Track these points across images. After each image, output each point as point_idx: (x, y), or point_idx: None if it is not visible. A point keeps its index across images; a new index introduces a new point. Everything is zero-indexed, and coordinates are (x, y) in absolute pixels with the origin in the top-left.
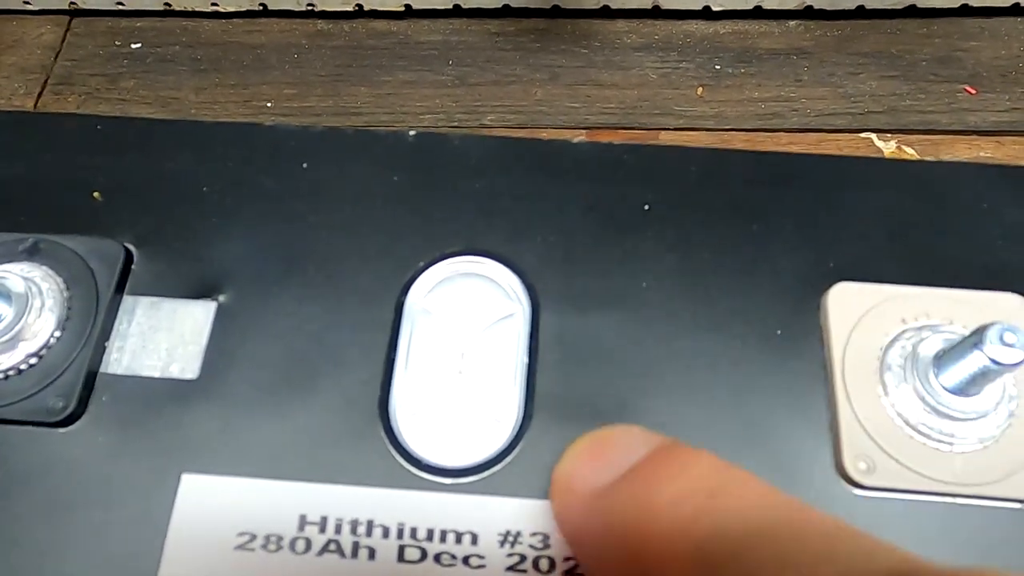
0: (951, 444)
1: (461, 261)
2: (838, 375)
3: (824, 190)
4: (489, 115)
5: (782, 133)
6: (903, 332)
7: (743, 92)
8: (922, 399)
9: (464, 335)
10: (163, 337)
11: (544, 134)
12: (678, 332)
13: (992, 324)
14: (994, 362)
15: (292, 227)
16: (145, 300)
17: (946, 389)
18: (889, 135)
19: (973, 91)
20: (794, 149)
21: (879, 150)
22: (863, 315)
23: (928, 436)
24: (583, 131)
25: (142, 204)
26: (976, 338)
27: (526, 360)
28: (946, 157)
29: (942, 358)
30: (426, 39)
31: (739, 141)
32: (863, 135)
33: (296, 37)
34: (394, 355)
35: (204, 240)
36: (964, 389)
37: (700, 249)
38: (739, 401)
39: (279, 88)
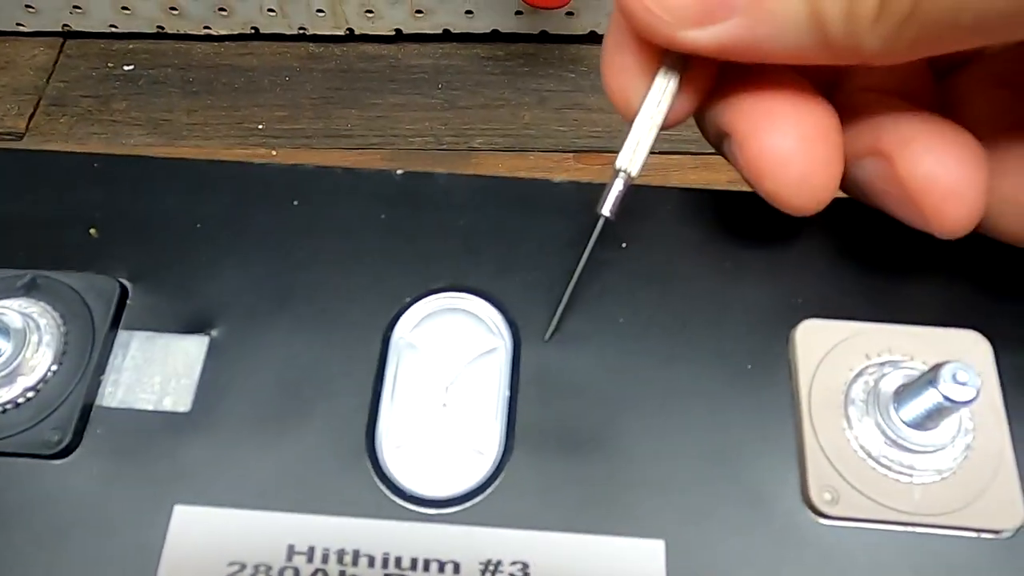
0: (911, 476)
1: (446, 297)
2: (805, 408)
3: (793, 228)
4: (478, 138)
5: None
6: (866, 367)
7: None
8: (883, 432)
9: (448, 369)
10: (157, 371)
11: (532, 157)
12: (653, 366)
13: (946, 363)
14: (947, 399)
15: (283, 263)
16: (140, 335)
17: (905, 423)
18: None
19: None
20: None
21: None
22: (829, 351)
23: (889, 468)
24: (570, 154)
25: (137, 240)
26: (931, 376)
27: (507, 393)
28: None
29: (901, 393)
30: (416, 63)
31: (723, 164)
32: None
33: (288, 60)
34: (380, 388)
35: (197, 276)
36: (922, 423)
37: (675, 286)
38: (711, 433)
39: (270, 110)
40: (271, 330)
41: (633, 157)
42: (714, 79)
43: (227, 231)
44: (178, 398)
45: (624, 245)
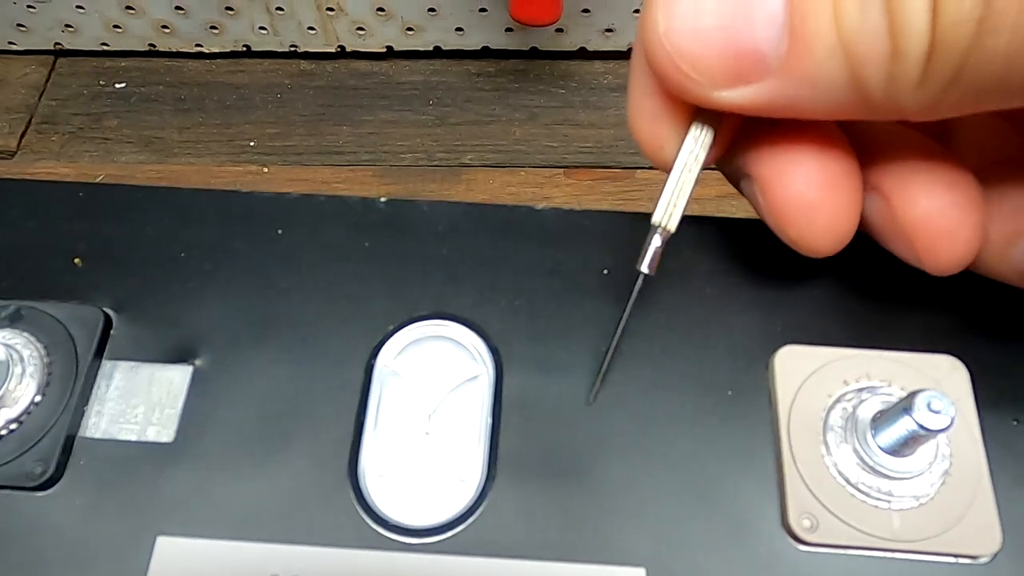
0: (889, 502)
1: (428, 324)
2: (784, 434)
3: (773, 255)
4: (469, 154)
5: None
6: (845, 393)
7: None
8: (861, 458)
9: (431, 396)
10: (140, 401)
11: (523, 173)
12: (635, 393)
13: (921, 391)
14: (922, 427)
15: (266, 291)
16: (124, 364)
17: (882, 449)
18: None
19: None
20: None
21: None
22: (808, 376)
23: (867, 494)
24: (561, 169)
25: (121, 270)
26: (906, 403)
27: (490, 421)
28: None
29: (878, 420)
30: (407, 79)
31: (712, 180)
32: None
33: (279, 77)
34: (363, 417)
35: (181, 305)
36: (898, 450)
37: (656, 312)
38: (692, 459)
39: (262, 127)
40: (255, 359)
41: (671, 212)
42: (740, 124)
43: (211, 260)
44: (162, 428)
45: (606, 272)
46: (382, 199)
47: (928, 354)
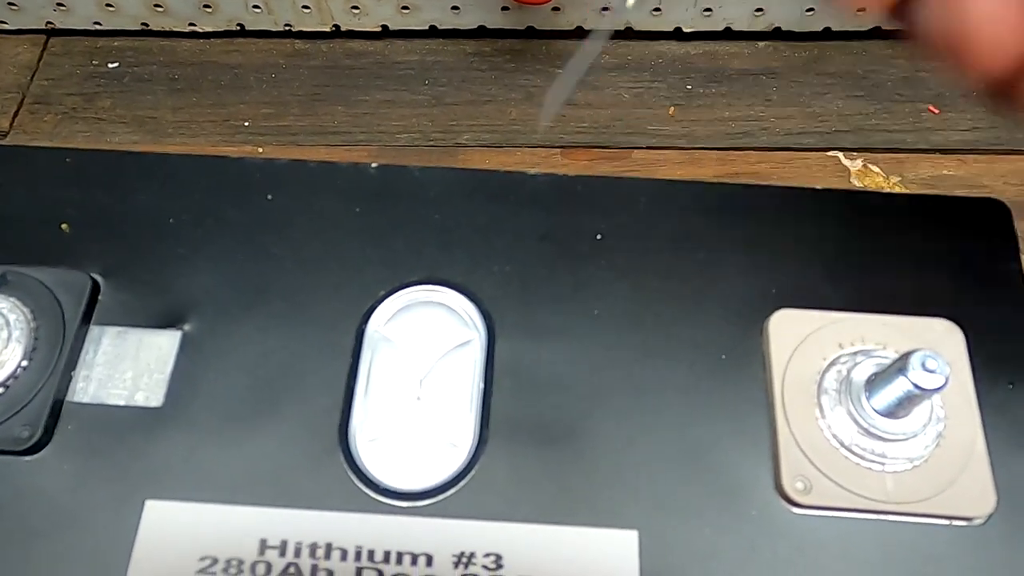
0: (883, 464)
1: (420, 290)
2: (778, 398)
3: (767, 219)
4: (465, 134)
5: (752, 152)
6: (839, 357)
7: (714, 112)
8: (855, 421)
9: (422, 362)
10: (129, 366)
11: (519, 153)
12: (628, 358)
13: (915, 351)
14: (917, 387)
15: (257, 257)
16: (112, 330)
17: (877, 411)
18: (856, 154)
19: (936, 111)
20: (763, 167)
21: (846, 168)
22: (803, 340)
23: (861, 456)
24: (557, 150)
25: (110, 236)
26: (901, 364)
27: (482, 386)
28: (910, 175)
29: (873, 382)
30: (403, 59)
31: (710, 160)
32: (830, 153)
33: (274, 57)
34: (354, 382)
35: (170, 271)
36: (893, 412)
37: (649, 277)
38: (685, 423)
39: (257, 107)
40: (244, 324)
41: None
42: None
43: (200, 226)
44: (150, 393)
45: (599, 237)
46: (373, 164)
47: (923, 318)
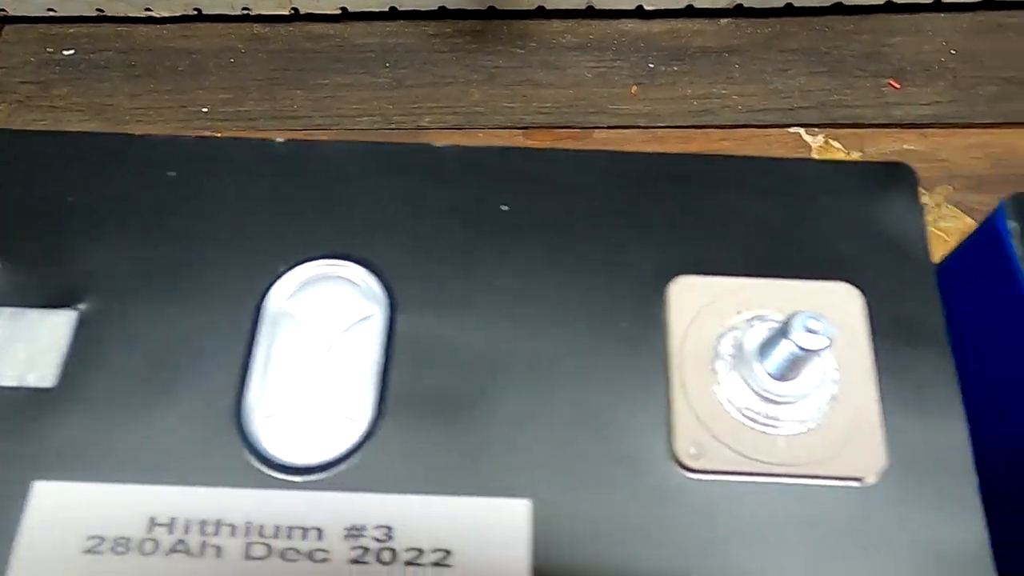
0: (776, 427)
1: (321, 264)
2: (676, 365)
3: (670, 188)
4: (426, 116)
5: (713, 129)
6: (737, 323)
7: (676, 90)
8: (748, 385)
9: (323, 337)
10: (22, 347)
11: (480, 134)
12: (528, 328)
13: (798, 313)
14: (801, 348)
15: (156, 235)
16: (6, 311)
17: (769, 375)
18: (817, 129)
19: (898, 85)
20: (725, 145)
21: (807, 144)
22: (702, 307)
23: (754, 420)
24: (519, 131)
25: (3, 215)
26: (784, 326)
27: (382, 360)
28: (871, 150)
29: (764, 346)
30: (363, 41)
31: (672, 138)
32: (792, 130)
33: (232, 41)
34: (251, 359)
35: (66, 249)
36: (783, 374)
37: (553, 248)
38: (582, 393)
39: (215, 93)
40: (142, 303)
41: None
42: None
43: (98, 203)
44: (43, 373)
45: (505, 208)
46: (279, 139)
47: (823, 282)
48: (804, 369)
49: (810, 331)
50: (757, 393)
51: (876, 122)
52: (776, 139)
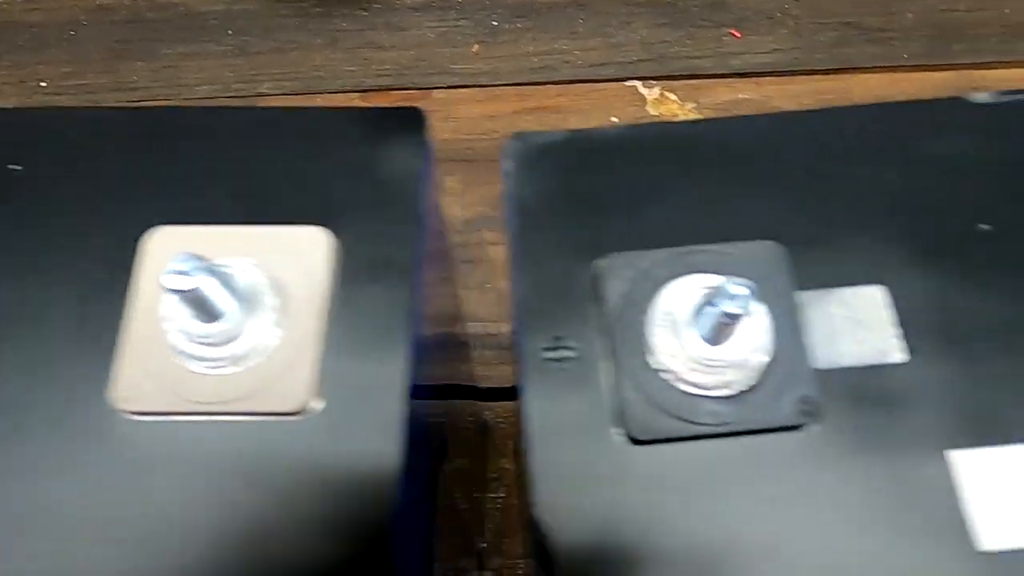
0: (213, 366)
1: None
2: (131, 312)
3: (148, 142)
4: (266, 83)
5: (551, 86)
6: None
7: (518, 47)
8: (183, 331)
9: None
10: None
11: (319, 99)
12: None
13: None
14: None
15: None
16: None
17: (193, 318)
18: (654, 82)
19: (738, 35)
20: (561, 101)
21: (643, 97)
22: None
23: (191, 359)
24: (357, 94)
25: None
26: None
27: None
28: (706, 101)
29: (201, 299)
30: (208, 9)
31: (509, 96)
32: (629, 84)
33: (76, 14)
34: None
35: None
36: (205, 317)
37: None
38: (35, 343)
39: (56, 67)
40: None
41: None
42: None
43: None
44: None
45: (15, 167)
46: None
47: (295, 227)
48: (223, 309)
49: (179, 273)
50: (184, 332)
51: (713, 72)
52: (612, 93)
